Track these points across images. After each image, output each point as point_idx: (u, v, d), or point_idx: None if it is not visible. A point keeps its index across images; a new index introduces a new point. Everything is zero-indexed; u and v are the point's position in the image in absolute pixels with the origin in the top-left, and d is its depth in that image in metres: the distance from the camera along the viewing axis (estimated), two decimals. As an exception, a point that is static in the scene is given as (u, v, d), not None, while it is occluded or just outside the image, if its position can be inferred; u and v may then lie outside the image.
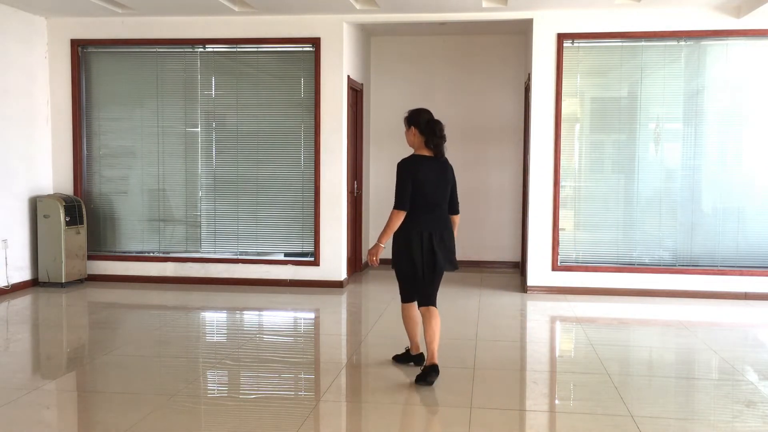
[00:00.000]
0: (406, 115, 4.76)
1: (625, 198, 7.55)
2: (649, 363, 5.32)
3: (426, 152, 4.68)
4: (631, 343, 5.94)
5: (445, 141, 4.69)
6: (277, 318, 6.85)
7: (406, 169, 4.62)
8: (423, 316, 4.72)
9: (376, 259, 4.66)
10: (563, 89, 7.42)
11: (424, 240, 4.60)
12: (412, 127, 4.70)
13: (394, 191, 4.61)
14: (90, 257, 7.99)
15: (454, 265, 4.77)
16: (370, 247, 4.76)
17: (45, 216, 7.55)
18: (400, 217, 4.58)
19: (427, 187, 4.60)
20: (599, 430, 3.85)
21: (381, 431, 3.91)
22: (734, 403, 4.33)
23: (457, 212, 4.82)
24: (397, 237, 4.66)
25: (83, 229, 7.82)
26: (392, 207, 4.60)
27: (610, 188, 7.60)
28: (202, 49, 7.90)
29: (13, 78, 7.43)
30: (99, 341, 5.74)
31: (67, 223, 7.56)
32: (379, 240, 4.64)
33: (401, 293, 4.83)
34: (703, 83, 7.38)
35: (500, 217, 9.15)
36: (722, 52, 7.35)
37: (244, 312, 6.89)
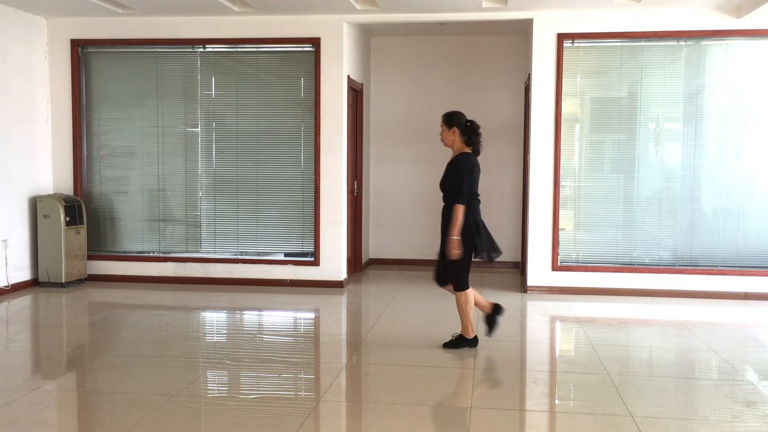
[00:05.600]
0: (446, 117, 5.23)
1: (625, 198, 7.55)
2: (649, 363, 5.32)
3: (466, 149, 5.20)
4: (631, 343, 5.94)
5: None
6: (277, 318, 6.85)
7: (469, 166, 5.14)
8: (470, 297, 5.24)
9: (459, 251, 5.07)
10: (563, 89, 7.43)
11: (480, 227, 5.16)
12: (455, 128, 5.16)
13: (457, 187, 5.07)
14: (90, 257, 7.99)
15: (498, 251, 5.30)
16: (447, 245, 5.09)
17: (45, 216, 7.55)
18: (463, 210, 5.06)
19: (477, 181, 5.21)
20: (599, 430, 3.85)
21: (381, 431, 3.91)
22: (734, 403, 4.33)
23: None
24: (466, 226, 5.08)
25: (83, 229, 7.82)
26: (456, 204, 5.06)
27: (610, 188, 7.60)
28: (202, 49, 7.90)
29: (13, 78, 7.43)
30: (99, 341, 5.74)
31: (67, 223, 7.57)
32: (453, 234, 5.06)
33: (463, 281, 5.20)
34: (703, 83, 7.38)
35: (500, 217, 9.14)
36: (722, 52, 7.35)
37: (244, 312, 6.89)
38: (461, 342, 5.33)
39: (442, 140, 5.30)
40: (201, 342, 5.84)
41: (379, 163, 9.31)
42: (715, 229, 7.41)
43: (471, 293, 5.27)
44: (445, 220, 5.20)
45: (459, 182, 5.10)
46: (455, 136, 5.20)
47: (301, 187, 7.85)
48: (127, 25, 7.82)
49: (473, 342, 5.33)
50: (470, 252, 5.15)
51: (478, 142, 5.22)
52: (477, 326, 5.49)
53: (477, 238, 5.13)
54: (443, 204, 5.27)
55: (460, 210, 5.06)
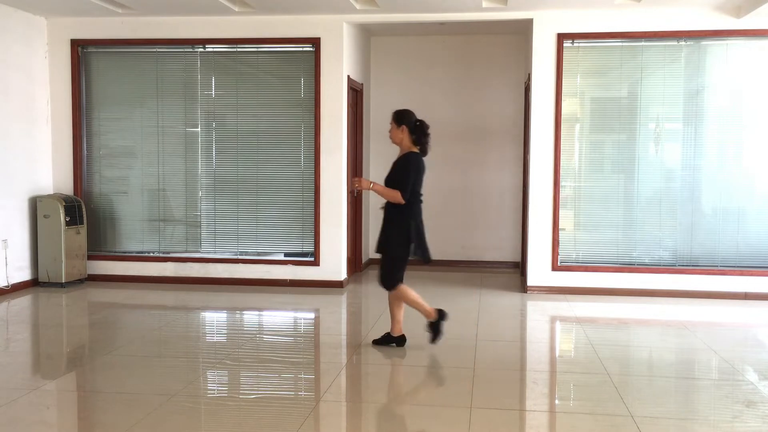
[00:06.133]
0: (395, 115, 5.24)
1: (625, 198, 7.55)
2: (649, 363, 5.32)
3: (414, 149, 5.19)
4: (631, 343, 5.94)
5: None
6: (277, 318, 6.85)
7: (418, 164, 5.15)
8: (407, 291, 5.23)
9: (359, 186, 5.23)
10: (563, 89, 7.42)
11: (420, 228, 5.17)
12: (404, 126, 5.16)
13: (402, 182, 5.06)
14: (90, 257, 7.99)
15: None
16: (364, 178, 5.26)
17: (45, 216, 7.55)
18: (398, 200, 5.07)
19: (421, 182, 5.20)
20: (599, 430, 3.85)
21: (381, 431, 3.91)
22: (734, 403, 4.33)
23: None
24: (399, 225, 5.10)
25: (83, 229, 7.81)
26: (399, 191, 5.06)
27: (610, 188, 7.59)
28: (202, 49, 7.90)
29: (13, 78, 7.43)
30: (99, 341, 5.74)
31: (67, 223, 7.56)
32: (375, 185, 5.18)
33: (397, 277, 5.19)
34: (703, 83, 7.38)
35: (500, 217, 9.15)
36: (722, 52, 7.35)
37: (244, 312, 6.89)
38: (435, 326, 5.26)
39: (390, 138, 5.30)
40: (201, 342, 5.84)
41: (379, 163, 9.30)
42: (715, 229, 7.41)
43: (405, 287, 5.21)
44: (387, 217, 5.20)
45: (405, 177, 5.09)
46: (404, 134, 5.18)
47: (301, 187, 7.85)
48: (127, 25, 7.82)
49: (442, 316, 5.25)
50: (408, 251, 5.15)
51: (426, 143, 5.22)
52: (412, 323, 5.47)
53: (414, 239, 5.11)
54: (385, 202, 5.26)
55: (399, 196, 5.06)
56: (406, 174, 5.09)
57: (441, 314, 5.26)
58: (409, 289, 5.24)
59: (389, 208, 5.20)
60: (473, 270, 9.00)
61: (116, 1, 7.13)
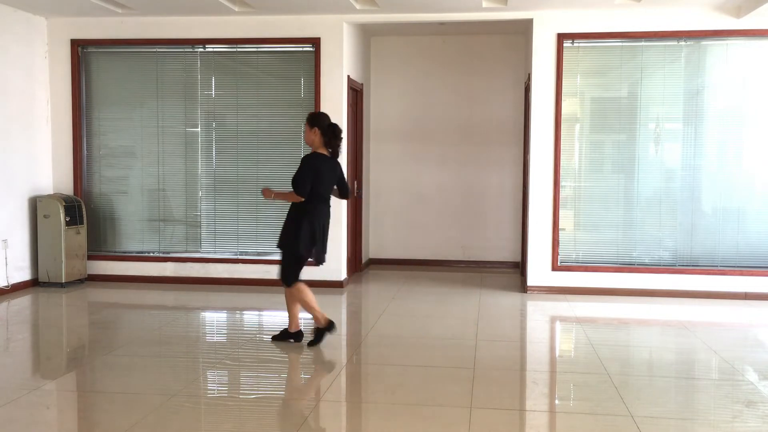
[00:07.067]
0: (309, 117, 5.34)
1: (625, 198, 7.55)
2: (649, 363, 5.32)
3: (324, 151, 5.30)
4: (631, 343, 5.94)
5: (341, 143, 5.35)
6: (277, 318, 6.83)
7: (310, 163, 5.22)
8: (304, 291, 5.32)
9: (265, 195, 5.32)
10: (563, 89, 7.42)
11: (317, 229, 5.23)
12: (316, 128, 5.27)
13: (297, 181, 5.16)
14: (90, 257, 7.99)
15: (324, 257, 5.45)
16: (266, 188, 5.38)
17: (45, 216, 7.55)
18: (298, 199, 5.16)
19: (324, 183, 5.25)
20: (599, 430, 3.85)
21: (381, 431, 3.91)
22: (734, 403, 4.33)
23: (348, 197, 5.68)
24: (298, 224, 5.17)
25: (83, 229, 7.82)
26: (293, 190, 5.18)
27: (610, 188, 7.59)
28: (202, 49, 7.90)
29: (13, 78, 7.43)
30: (99, 341, 5.74)
31: (67, 223, 7.56)
32: (276, 194, 5.32)
33: (293, 275, 5.29)
34: (703, 83, 7.38)
35: (500, 217, 9.15)
36: (722, 52, 7.35)
37: (244, 312, 6.89)
38: (320, 333, 5.38)
39: (304, 139, 5.41)
40: (201, 342, 5.84)
41: (379, 163, 9.31)
42: (715, 229, 7.41)
43: (303, 287, 5.32)
44: (289, 216, 5.28)
45: (300, 175, 5.17)
46: (316, 136, 5.28)
47: (301, 187, 7.83)
48: (127, 25, 7.82)
49: (330, 327, 5.35)
50: (308, 251, 5.24)
51: (337, 145, 5.31)
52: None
53: (317, 242, 5.23)
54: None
55: (296, 197, 5.16)
56: (301, 173, 5.18)
57: (330, 325, 5.36)
58: (306, 289, 5.33)
59: (291, 206, 5.30)
60: (473, 270, 9.01)
61: (116, 1, 7.13)
